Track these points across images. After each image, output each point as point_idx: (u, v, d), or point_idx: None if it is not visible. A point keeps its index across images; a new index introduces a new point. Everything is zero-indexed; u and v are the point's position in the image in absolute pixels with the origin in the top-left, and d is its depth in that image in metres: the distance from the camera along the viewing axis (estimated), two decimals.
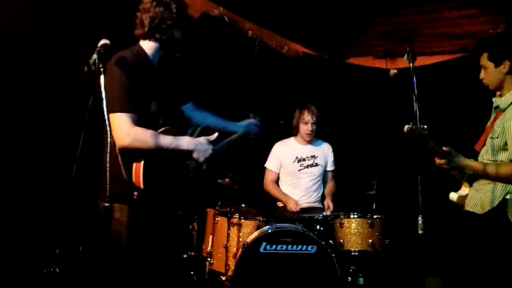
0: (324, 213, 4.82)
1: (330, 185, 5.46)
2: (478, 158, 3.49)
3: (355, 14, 6.21)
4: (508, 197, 3.22)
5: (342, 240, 4.59)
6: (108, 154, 2.62)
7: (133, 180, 2.77)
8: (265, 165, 5.45)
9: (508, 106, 3.34)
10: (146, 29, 2.90)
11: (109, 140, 2.61)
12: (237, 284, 4.22)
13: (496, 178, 3.27)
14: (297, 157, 5.32)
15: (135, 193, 2.73)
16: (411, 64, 3.08)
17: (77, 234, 4.21)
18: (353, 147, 6.57)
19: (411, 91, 3.13)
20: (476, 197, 3.37)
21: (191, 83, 5.53)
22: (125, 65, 2.80)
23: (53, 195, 4.05)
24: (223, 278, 4.48)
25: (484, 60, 3.49)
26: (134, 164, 2.78)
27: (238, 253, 4.34)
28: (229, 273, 4.35)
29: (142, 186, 2.75)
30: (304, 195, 5.29)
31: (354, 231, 4.59)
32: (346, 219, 4.64)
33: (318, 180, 5.35)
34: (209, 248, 4.81)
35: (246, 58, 6.24)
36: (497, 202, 3.24)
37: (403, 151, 3.98)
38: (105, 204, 2.71)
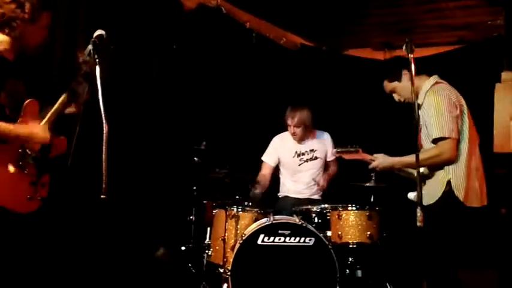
0: (322, 205, 4.81)
1: (332, 168, 5.45)
2: None
3: (352, 5, 6.17)
4: (451, 179, 3.52)
5: (339, 232, 4.57)
6: (105, 145, 2.62)
7: None
8: (262, 158, 5.43)
9: (423, 100, 3.64)
10: None
11: (105, 130, 2.60)
12: (235, 276, 4.20)
13: (423, 165, 3.56)
14: (296, 152, 5.30)
15: None
16: (410, 55, 3.08)
17: (72, 227, 4.20)
18: (351, 139, 6.54)
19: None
20: (426, 190, 3.56)
21: (188, 75, 5.52)
22: None
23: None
24: (221, 270, 4.47)
25: (388, 86, 3.88)
26: None
27: (236, 245, 4.32)
28: (227, 265, 4.33)
29: None
30: (305, 188, 5.31)
31: (352, 223, 4.57)
32: (344, 211, 4.61)
33: (318, 173, 5.34)
34: (207, 240, 4.81)
35: (243, 49, 6.20)
36: (443, 187, 3.52)
37: (401, 143, 3.98)
38: (102, 197, 2.69)
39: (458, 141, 3.52)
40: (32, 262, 3.37)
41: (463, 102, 3.65)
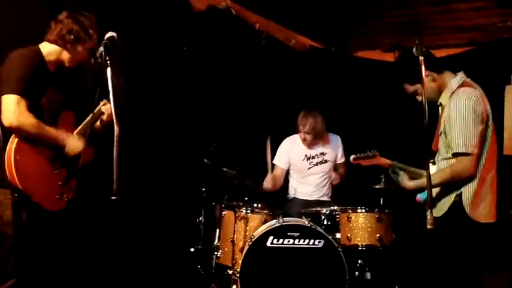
0: (331, 207, 4.79)
1: (341, 170, 5.43)
2: (435, 159, 3.57)
3: (362, 6, 6.16)
4: (461, 192, 3.33)
5: (349, 235, 4.56)
6: (116, 146, 2.65)
7: (7, 173, 2.95)
8: (273, 161, 5.42)
9: (448, 102, 3.41)
10: (53, 36, 3.25)
11: (116, 132, 2.61)
12: (244, 277, 4.21)
13: (444, 184, 3.39)
14: (306, 155, 5.29)
15: (16, 195, 2.98)
16: (420, 57, 3.05)
17: (82, 227, 4.22)
18: (361, 141, 6.53)
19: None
20: (436, 202, 3.45)
21: (198, 76, 5.53)
22: (24, 58, 3.11)
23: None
24: (230, 272, 4.47)
25: (410, 88, 3.59)
26: (6, 158, 2.97)
27: (245, 247, 4.32)
28: (236, 267, 4.33)
29: (19, 186, 2.96)
30: (314, 191, 5.30)
31: (361, 226, 4.55)
32: (354, 214, 4.60)
33: (328, 176, 5.32)
34: (216, 241, 4.81)
35: (253, 51, 6.20)
36: (453, 198, 3.35)
37: (411, 145, 3.96)
38: (112, 198, 2.69)
39: (478, 157, 3.30)
40: (57, 258, 3.47)
41: (489, 110, 3.41)
